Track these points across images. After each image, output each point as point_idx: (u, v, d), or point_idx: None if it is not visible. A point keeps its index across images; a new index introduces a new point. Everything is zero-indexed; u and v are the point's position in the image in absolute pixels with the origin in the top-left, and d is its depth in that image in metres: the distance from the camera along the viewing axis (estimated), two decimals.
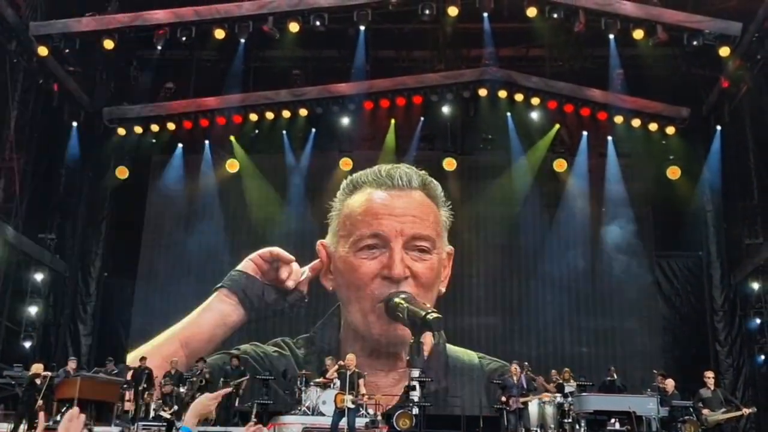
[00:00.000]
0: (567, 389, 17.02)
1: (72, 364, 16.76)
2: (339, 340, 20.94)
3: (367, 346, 20.44)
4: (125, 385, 17.27)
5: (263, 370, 19.71)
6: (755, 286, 20.41)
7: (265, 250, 21.73)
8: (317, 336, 21.22)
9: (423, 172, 21.46)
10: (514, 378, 15.48)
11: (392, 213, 21.00)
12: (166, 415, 16.19)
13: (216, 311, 21.39)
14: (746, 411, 14.71)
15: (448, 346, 21.03)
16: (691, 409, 15.89)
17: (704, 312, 21.65)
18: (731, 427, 15.13)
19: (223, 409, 17.77)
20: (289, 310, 21.54)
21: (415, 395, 17.45)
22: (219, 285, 21.50)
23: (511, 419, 15.12)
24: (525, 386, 15.59)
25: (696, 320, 21.73)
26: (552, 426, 15.86)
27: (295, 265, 21.56)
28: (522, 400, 15.16)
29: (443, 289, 21.17)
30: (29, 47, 19.48)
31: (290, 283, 21.44)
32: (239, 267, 21.67)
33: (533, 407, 15.97)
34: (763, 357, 19.76)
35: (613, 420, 15.71)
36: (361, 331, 20.61)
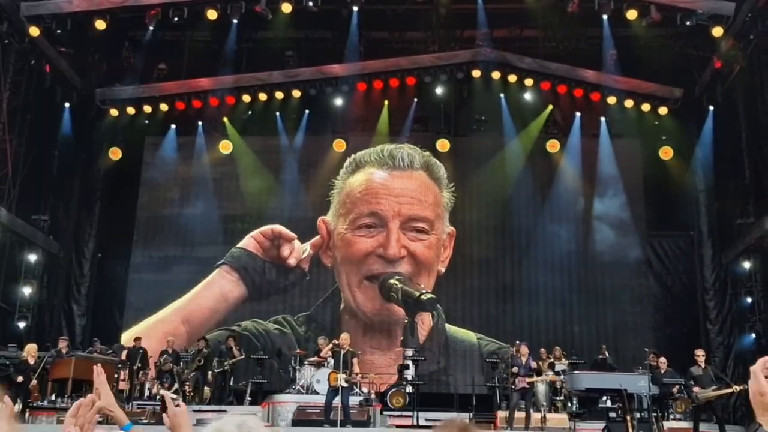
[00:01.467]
0: (558, 367, 17.17)
1: (62, 344, 16.77)
2: (338, 319, 21.03)
3: (362, 324, 20.60)
4: (120, 365, 17.34)
5: (263, 348, 19.88)
6: (746, 265, 20.52)
7: (266, 228, 21.82)
8: (318, 314, 21.31)
9: (427, 153, 21.60)
10: (523, 359, 15.58)
11: (391, 193, 21.16)
12: (169, 394, 16.25)
13: (217, 288, 21.49)
14: (736, 388, 14.79)
15: (448, 326, 21.16)
16: (682, 387, 16.07)
17: (695, 291, 21.80)
18: (721, 404, 15.26)
19: (217, 388, 17.94)
20: (290, 288, 21.65)
21: (409, 374, 17.63)
22: (220, 262, 21.61)
23: (514, 397, 15.24)
24: (532, 367, 15.70)
25: (687, 299, 21.88)
26: (544, 404, 15.99)
27: (296, 243, 21.67)
28: (529, 380, 15.26)
29: (443, 269, 21.28)
30: (21, 28, 19.39)
31: (292, 261, 21.55)
32: (241, 244, 21.79)
33: (541, 387, 16.12)
34: (753, 336, 19.90)
35: (604, 397, 15.86)
36: (353, 309, 20.75)
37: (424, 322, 20.78)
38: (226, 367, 17.81)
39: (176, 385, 17.20)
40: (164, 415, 2.89)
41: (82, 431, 2.62)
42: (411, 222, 20.99)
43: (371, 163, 21.56)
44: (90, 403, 2.74)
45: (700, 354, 15.18)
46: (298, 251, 21.57)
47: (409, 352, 18.28)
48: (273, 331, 21.18)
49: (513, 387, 15.37)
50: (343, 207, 21.38)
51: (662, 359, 16.26)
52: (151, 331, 20.29)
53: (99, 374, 2.92)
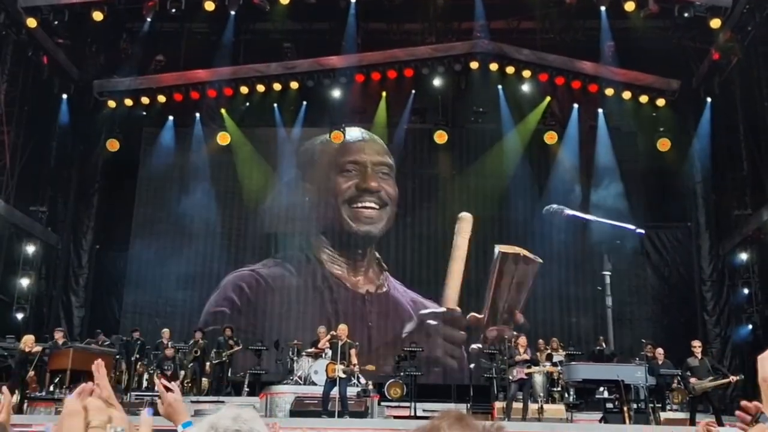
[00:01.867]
0: (556, 358, 17.22)
1: (58, 335, 16.79)
2: None
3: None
4: (118, 356, 17.38)
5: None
6: (743, 256, 20.57)
7: None
8: None
9: None
10: (521, 349, 15.64)
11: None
12: (164, 382, 16.27)
13: None
14: (733, 379, 14.88)
15: None
16: (679, 378, 16.14)
17: (692, 282, 21.85)
18: (718, 395, 15.33)
19: (215, 379, 17.98)
20: None
21: (407, 365, 17.70)
22: None
23: (512, 388, 15.29)
24: (530, 358, 15.75)
25: (684, 290, 21.94)
26: (541, 394, 16.04)
27: None
28: (526, 371, 15.30)
29: None
30: (18, 19, 19.34)
31: None
32: None
33: (539, 378, 16.17)
34: (750, 327, 19.96)
35: (601, 388, 15.93)
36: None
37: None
38: (224, 358, 17.85)
39: (182, 372, 17.19)
40: (158, 402, 2.87)
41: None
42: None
43: None
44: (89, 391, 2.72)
45: (696, 345, 15.23)
46: None
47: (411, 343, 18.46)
48: None
49: (510, 378, 15.41)
50: None
51: (659, 350, 16.33)
52: None
53: (99, 368, 2.90)
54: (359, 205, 22.35)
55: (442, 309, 21.26)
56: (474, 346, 20.42)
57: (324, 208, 22.71)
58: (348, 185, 22.47)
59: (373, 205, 22.36)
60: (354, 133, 22.65)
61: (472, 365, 18.56)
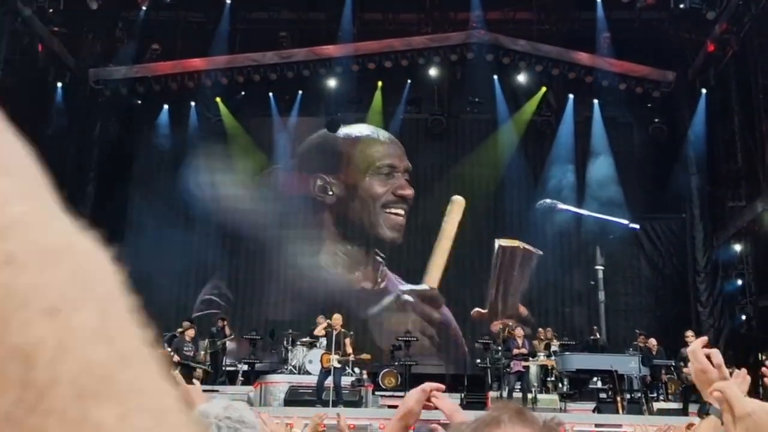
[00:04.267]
0: (551, 348, 17.29)
1: None
2: None
3: None
4: None
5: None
6: (737, 248, 20.65)
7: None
8: None
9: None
10: (519, 341, 15.68)
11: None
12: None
13: None
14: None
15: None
16: (673, 368, 16.22)
17: (686, 273, 21.90)
18: None
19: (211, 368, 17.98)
20: None
21: (401, 354, 17.77)
22: None
23: (511, 380, 15.35)
24: (527, 349, 15.81)
25: (678, 281, 22.00)
26: (535, 384, 16.10)
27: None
28: (524, 363, 15.36)
29: None
30: (13, 7, 19.26)
31: None
32: None
33: (533, 368, 16.24)
34: (744, 317, 20.06)
35: (595, 378, 16.01)
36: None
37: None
38: (218, 347, 17.87)
39: (202, 352, 17.10)
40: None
41: None
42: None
43: None
44: None
45: (689, 335, 15.29)
46: None
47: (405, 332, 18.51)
48: None
49: (508, 370, 15.48)
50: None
51: (652, 340, 16.39)
52: None
53: None
54: (392, 210, 22.36)
55: (423, 287, 21.31)
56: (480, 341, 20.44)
57: (347, 205, 22.63)
58: (384, 190, 22.44)
59: (402, 212, 22.41)
60: (383, 133, 22.81)
61: (478, 360, 18.56)
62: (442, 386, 2.58)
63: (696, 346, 2.37)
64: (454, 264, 21.86)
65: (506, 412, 1.49)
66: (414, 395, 2.53)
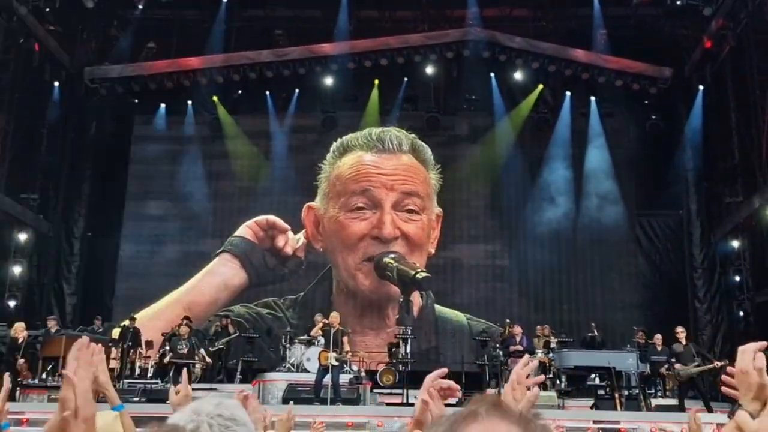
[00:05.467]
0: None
1: (51, 323, 16.74)
2: (331, 301, 21.02)
3: (358, 305, 20.67)
4: (110, 344, 17.35)
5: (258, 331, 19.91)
6: (734, 244, 20.68)
7: (261, 218, 21.81)
8: (308, 297, 21.35)
9: (413, 135, 21.58)
10: (517, 339, 15.68)
11: (382, 172, 21.16)
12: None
13: (218, 275, 21.52)
14: (718, 364, 14.94)
15: (437, 306, 21.26)
16: (667, 364, 16.22)
17: (684, 269, 21.92)
18: (709, 381, 15.39)
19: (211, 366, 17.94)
20: (288, 275, 21.69)
21: (401, 352, 17.72)
22: (220, 249, 21.63)
23: (509, 377, 15.33)
24: (525, 347, 15.80)
25: (676, 277, 22.01)
26: None
27: (290, 234, 21.68)
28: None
29: (433, 251, 21.36)
30: (9, 6, 19.24)
31: (288, 250, 21.63)
32: (237, 233, 21.78)
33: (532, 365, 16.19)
34: (741, 313, 20.08)
35: (593, 375, 16.00)
36: (351, 289, 20.79)
37: (414, 302, 20.79)
38: (221, 346, 17.82)
39: (202, 350, 17.06)
40: (172, 389, 2.91)
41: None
42: (404, 200, 20.99)
43: (359, 146, 21.52)
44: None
45: (680, 331, 15.32)
46: (292, 241, 21.62)
47: (403, 331, 18.37)
48: (266, 315, 21.20)
49: (506, 368, 15.48)
50: (333, 190, 21.35)
51: (657, 336, 16.30)
52: (153, 321, 19.90)
53: (96, 353, 2.77)
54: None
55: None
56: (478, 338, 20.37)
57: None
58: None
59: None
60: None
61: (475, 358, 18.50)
62: (456, 386, 2.56)
63: (750, 347, 2.32)
64: (450, 261, 21.85)
65: (483, 405, 1.49)
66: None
